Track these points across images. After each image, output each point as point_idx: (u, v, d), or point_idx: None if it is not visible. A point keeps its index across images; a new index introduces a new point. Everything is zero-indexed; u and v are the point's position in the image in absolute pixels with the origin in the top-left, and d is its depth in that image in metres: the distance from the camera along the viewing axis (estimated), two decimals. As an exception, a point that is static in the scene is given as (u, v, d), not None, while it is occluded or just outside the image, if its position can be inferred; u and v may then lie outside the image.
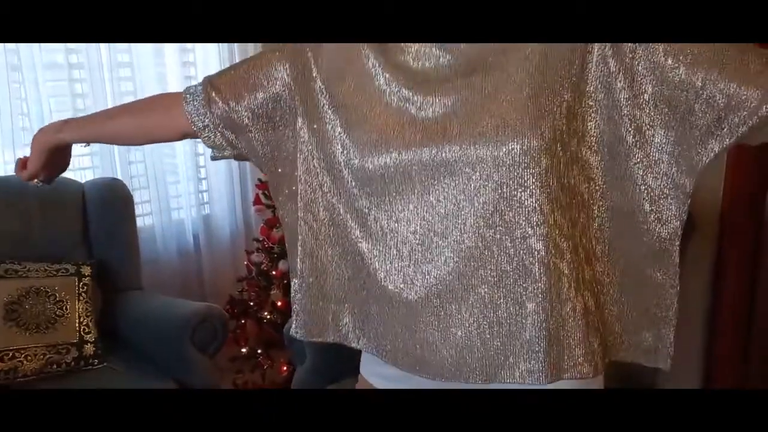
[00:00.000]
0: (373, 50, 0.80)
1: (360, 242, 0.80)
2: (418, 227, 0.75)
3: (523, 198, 0.70)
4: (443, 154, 0.72)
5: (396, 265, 0.77)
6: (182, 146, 2.61)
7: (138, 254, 2.25)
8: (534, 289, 0.71)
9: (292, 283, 0.91)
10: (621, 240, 0.77)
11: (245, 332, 2.51)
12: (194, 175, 2.68)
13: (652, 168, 0.72)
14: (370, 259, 0.79)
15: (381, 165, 0.75)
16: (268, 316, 2.47)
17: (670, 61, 0.68)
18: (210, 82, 0.89)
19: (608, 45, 0.71)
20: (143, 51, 2.43)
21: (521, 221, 0.70)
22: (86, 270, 2.03)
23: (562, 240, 0.71)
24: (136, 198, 2.33)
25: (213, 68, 2.61)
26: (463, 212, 0.72)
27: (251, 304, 2.52)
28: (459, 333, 0.75)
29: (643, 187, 0.73)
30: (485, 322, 0.74)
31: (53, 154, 0.98)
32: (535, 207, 0.70)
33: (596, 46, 0.71)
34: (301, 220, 0.86)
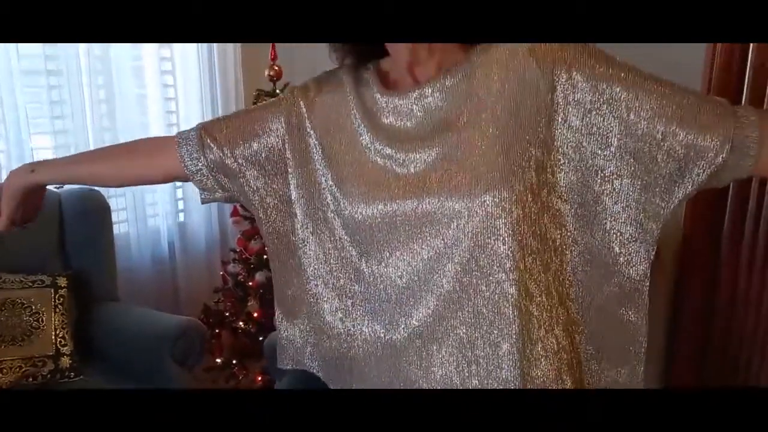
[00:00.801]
0: (360, 112, 0.85)
1: (353, 285, 0.85)
2: (403, 273, 0.80)
3: (496, 246, 0.75)
4: (423, 206, 0.77)
5: (384, 306, 0.82)
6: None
7: (114, 265, 2.25)
8: (508, 330, 0.77)
9: (277, 314, 0.96)
10: (594, 282, 0.82)
11: (220, 343, 2.53)
12: (171, 182, 2.69)
13: (620, 215, 0.78)
14: (361, 301, 0.85)
15: (369, 215, 0.81)
16: (243, 327, 2.50)
17: (632, 116, 0.74)
18: (204, 128, 0.92)
19: (572, 103, 0.76)
20: (120, 53, 2.42)
21: (495, 267, 0.76)
22: (62, 281, 2.03)
23: (533, 284, 0.77)
24: (112, 205, 2.32)
25: (191, 74, 2.64)
26: (443, 259, 0.77)
27: (227, 314, 2.54)
28: (439, 372, 0.80)
29: (612, 233, 0.79)
30: (464, 362, 0.79)
31: (27, 195, 0.95)
32: (507, 254, 0.75)
33: (561, 103, 0.76)
34: (290, 260, 0.91)
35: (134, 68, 2.49)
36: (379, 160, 0.82)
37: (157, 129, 2.58)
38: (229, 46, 2.69)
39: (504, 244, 0.75)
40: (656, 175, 0.75)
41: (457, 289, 0.77)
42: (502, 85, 0.78)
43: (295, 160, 0.88)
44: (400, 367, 0.82)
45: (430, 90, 0.81)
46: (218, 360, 2.48)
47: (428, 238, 0.78)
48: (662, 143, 0.74)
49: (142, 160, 0.96)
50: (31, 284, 1.97)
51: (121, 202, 2.48)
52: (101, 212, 2.21)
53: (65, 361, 1.91)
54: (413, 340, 0.81)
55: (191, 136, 0.92)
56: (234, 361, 2.49)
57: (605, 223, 0.79)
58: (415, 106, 0.82)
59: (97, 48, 2.35)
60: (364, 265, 0.83)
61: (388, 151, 0.82)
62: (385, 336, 0.83)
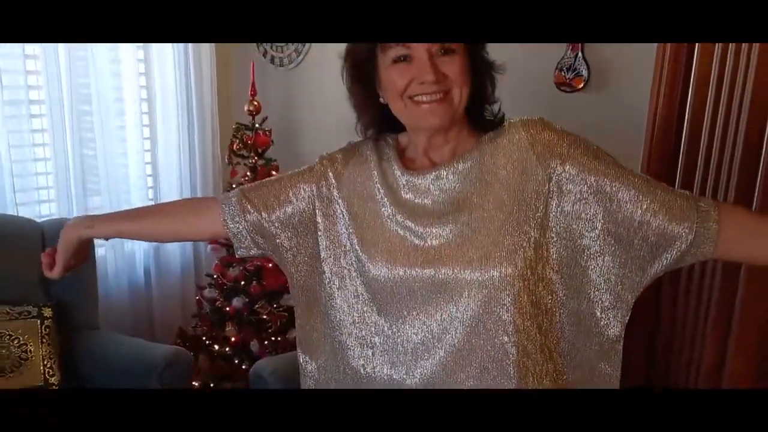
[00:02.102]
0: (383, 186, 0.99)
1: (373, 337, 0.99)
2: (419, 330, 0.94)
3: (500, 313, 0.90)
4: (439, 276, 0.92)
5: (401, 358, 0.96)
6: (136, 181, 2.69)
7: (96, 294, 2.30)
8: (508, 383, 0.91)
9: (302, 357, 1.09)
10: (578, 340, 0.97)
11: (197, 366, 2.61)
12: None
13: (602, 286, 0.93)
14: (381, 351, 0.98)
15: (390, 278, 0.94)
16: (220, 350, 2.59)
17: (614, 206, 0.89)
18: (243, 193, 1.05)
19: (565, 192, 0.91)
20: (101, 85, 2.49)
21: (500, 331, 0.91)
22: (47, 312, 2.08)
23: (530, 343, 0.92)
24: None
25: (170, 105, 2.72)
26: (454, 321, 0.92)
27: (204, 338, 2.62)
28: None
29: (595, 301, 0.94)
30: None
31: (80, 247, 1.08)
32: (510, 320, 0.90)
33: (555, 191, 0.91)
34: (316, 309, 1.05)
35: (115, 99, 2.55)
36: (399, 230, 0.96)
37: (135, 168, 2.67)
38: (206, 84, 2.78)
39: (507, 312, 0.90)
40: (632, 255, 0.91)
41: (466, 347, 0.91)
42: (507, 173, 0.93)
43: (324, 224, 1.02)
44: None
45: (445, 172, 0.96)
46: (195, 384, 2.56)
47: (442, 302, 0.92)
48: (638, 230, 0.89)
49: (192, 221, 1.09)
50: (17, 315, 2.02)
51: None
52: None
53: (54, 391, 1.97)
54: (427, 386, 0.95)
55: (232, 200, 1.04)
56: (212, 384, 2.58)
57: (589, 292, 0.94)
58: (432, 186, 0.96)
59: (78, 79, 2.42)
60: (383, 320, 0.97)
61: (409, 223, 0.95)
62: (402, 382, 0.97)
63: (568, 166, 0.91)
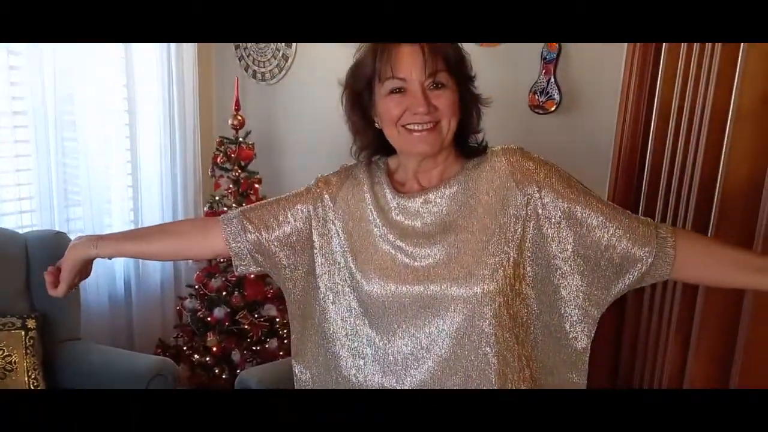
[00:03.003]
0: (375, 208, 1.07)
1: (365, 348, 1.06)
2: (408, 342, 1.02)
3: (483, 326, 0.99)
4: (428, 292, 1.00)
5: (391, 367, 1.04)
6: (118, 193, 2.71)
7: (79, 305, 2.32)
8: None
9: (297, 367, 1.16)
10: (550, 350, 1.06)
11: (177, 376, 2.64)
12: (128, 219, 2.78)
13: (571, 302, 1.03)
14: (372, 361, 1.05)
15: (382, 294, 1.02)
16: (199, 360, 2.62)
17: (584, 231, 0.99)
18: (244, 214, 1.11)
19: (541, 216, 1.00)
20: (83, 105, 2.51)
21: (482, 342, 0.99)
22: (31, 323, 2.09)
23: (509, 353, 1.01)
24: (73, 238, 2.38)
25: (153, 122, 2.75)
26: (441, 334, 1.00)
27: (185, 348, 2.66)
28: None
29: (565, 316, 1.03)
30: None
31: (84, 265, 1.12)
32: (491, 332, 0.99)
33: (532, 215, 1.00)
34: (310, 321, 1.13)
35: (98, 111, 2.58)
36: (390, 249, 1.04)
37: (116, 180, 2.70)
38: (188, 98, 2.82)
39: (489, 325, 0.99)
40: (599, 275, 1.01)
41: (452, 357, 1.00)
42: (489, 198, 1.02)
43: (320, 243, 1.09)
44: None
45: (433, 196, 1.04)
46: (177, 393, 2.59)
47: (430, 316, 1.00)
48: (605, 252, 0.99)
49: (196, 241, 1.14)
50: (1, 327, 2.03)
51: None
52: (67, 254, 2.27)
53: (38, 402, 1.98)
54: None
55: (233, 221, 1.10)
56: (193, 394, 2.61)
57: (560, 307, 1.04)
58: (421, 208, 1.05)
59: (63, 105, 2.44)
60: (375, 333, 1.04)
61: (399, 243, 1.03)
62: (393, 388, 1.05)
63: (544, 193, 1.00)
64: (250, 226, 1.10)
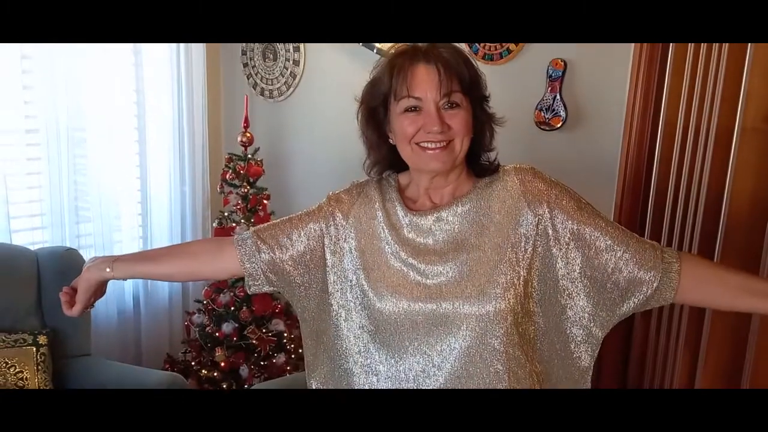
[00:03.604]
0: (387, 225, 1.09)
1: (378, 365, 1.07)
2: (420, 359, 1.03)
3: (495, 344, 1.00)
4: (440, 310, 1.01)
5: (403, 384, 1.05)
6: (128, 209, 2.74)
7: (89, 321, 2.33)
8: None
9: (312, 384, 1.17)
10: (554, 367, 1.08)
11: (186, 391, 2.65)
12: (137, 235, 2.81)
13: (576, 323, 1.04)
14: (385, 378, 1.06)
15: (394, 311, 1.04)
16: (208, 374, 2.63)
17: (592, 252, 1.01)
18: (257, 234, 1.13)
19: (551, 236, 1.02)
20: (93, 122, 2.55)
21: (494, 360, 1.01)
22: (42, 339, 2.11)
23: (520, 369, 1.02)
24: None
25: (164, 140, 2.78)
26: (453, 351, 1.01)
27: (192, 363, 2.66)
28: None
29: (570, 335, 1.05)
30: None
31: (99, 287, 1.15)
32: (502, 350, 1.00)
33: (542, 235, 1.02)
34: (324, 337, 1.14)
35: (108, 128, 2.61)
36: (403, 267, 1.05)
37: (126, 196, 2.72)
38: (197, 115, 2.86)
39: (501, 343, 1.00)
40: (605, 297, 1.03)
41: (464, 375, 1.01)
42: (501, 218, 1.04)
43: (332, 261, 1.11)
44: None
45: (446, 214, 1.06)
46: (185, 408, 2.59)
47: (442, 334, 1.02)
48: (611, 275, 1.01)
49: (209, 262, 1.16)
50: (13, 344, 2.05)
51: (91, 252, 2.57)
52: (78, 270, 2.28)
53: (49, 418, 1.99)
54: None
55: (247, 242, 1.12)
56: (201, 410, 2.61)
57: (565, 328, 1.05)
58: (433, 226, 1.06)
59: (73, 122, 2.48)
60: (387, 350, 1.05)
61: (412, 261, 1.05)
62: None
63: (554, 213, 1.02)
64: (263, 246, 1.11)
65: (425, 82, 1.00)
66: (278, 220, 1.17)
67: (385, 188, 1.14)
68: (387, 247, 1.08)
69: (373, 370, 1.08)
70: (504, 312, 1.00)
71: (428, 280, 1.04)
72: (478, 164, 1.10)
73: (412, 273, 1.05)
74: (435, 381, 1.03)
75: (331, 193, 1.17)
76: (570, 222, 1.02)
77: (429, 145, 1.02)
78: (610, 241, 1.01)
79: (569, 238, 1.02)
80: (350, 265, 1.10)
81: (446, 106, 1.02)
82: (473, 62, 1.05)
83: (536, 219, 1.03)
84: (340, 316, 1.11)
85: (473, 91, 1.04)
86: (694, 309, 1.53)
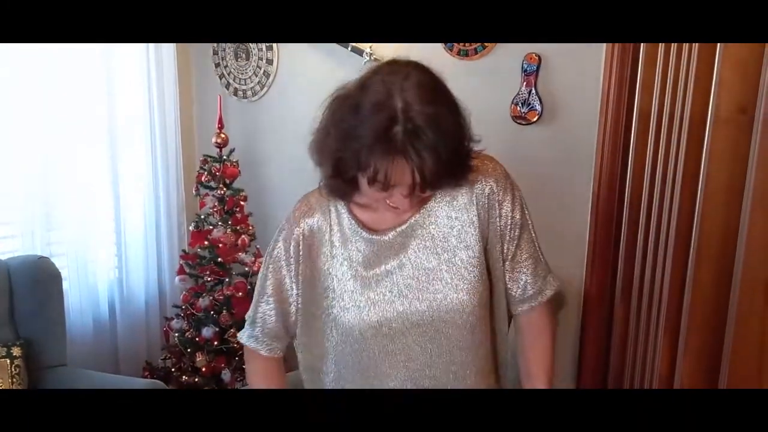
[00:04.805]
0: (344, 244, 1.10)
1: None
2: (399, 372, 1.09)
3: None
4: (414, 317, 1.07)
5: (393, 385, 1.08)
6: (100, 214, 2.68)
7: (64, 330, 2.28)
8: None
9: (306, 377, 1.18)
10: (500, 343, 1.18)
11: (167, 398, 2.60)
12: (111, 241, 2.75)
13: (503, 305, 1.17)
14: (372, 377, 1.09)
15: (364, 325, 1.06)
16: (188, 380, 2.59)
17: (512, 249, 1.13)
18: (254, 339, 1.17)
19: (498, 233, 1.10)
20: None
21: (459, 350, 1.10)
22: (17, 351, 2.06)
23: (482, 333, 1.11)
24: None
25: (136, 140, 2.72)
26: (432, 354, 1.07)
27: (173, 370, 2.62)
28: None
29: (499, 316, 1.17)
30: None
31: None
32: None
33: (492, 233, 1.10)
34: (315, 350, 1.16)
35: (78, 133, 2.55)
36: (366, 280, 1.06)
37: (98, 202, 2.66)
38: (169, 117, 2.81)
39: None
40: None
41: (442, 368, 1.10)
42: (460, 221, 1.08)
43: (303, 291, 1.13)
44: None
45: (405, 227, 1.07)
46: (166, 416, 2.55)
47: (419, 338, 1.06)
48: (512, 266, 1.14)
49: (273, 372, 1.21)
50: (-14, 356, 1.99)
51: (62, 260, 2.51)
52: (51, 280, 2.23)
53: (27, 431, 1.94)
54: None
55: (257, 347, 1.17)
56: (183, 416, 2.57)
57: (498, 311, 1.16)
58: (394, 238, 1.07)
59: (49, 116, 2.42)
60: (366, 367, 1.08)
61: (373, 273, 1.07)
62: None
63: (501, 210, 1.10)
64: (270, 342, 1.17)
65: (402, 175, 0.92)
66: (260, 306, 1.16)
67: (336, 205, 1.11)
68: (347, 262, 1.08)
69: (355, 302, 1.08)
70: (476, 306, 1.09)
71: (395, 290, 1.07)
72: None
73: (375, 285, 1.07)
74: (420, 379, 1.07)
75: (276, 239, 1.14)
76: (509, 218, 1.11)
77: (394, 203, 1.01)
78: (525, 245, 1.15)
79: (511, 234, 1.12)
80: (319, 287, 1.12)
81: (419, 193, 0.97)
82: (457, 106, 0.98)
83: (486, 218, 1.10)
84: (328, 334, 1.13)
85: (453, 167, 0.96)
86: (674, 294, 1.56)
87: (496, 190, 1.09)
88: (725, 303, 1.45)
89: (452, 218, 1.08)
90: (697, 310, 1.50)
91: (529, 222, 1.15)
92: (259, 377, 1.20)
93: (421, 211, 1.08)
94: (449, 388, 1.08)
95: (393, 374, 1.07)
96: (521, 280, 1.14)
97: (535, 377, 1.17)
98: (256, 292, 1.16)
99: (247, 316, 1.19)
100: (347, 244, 1.08)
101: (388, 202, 0.99)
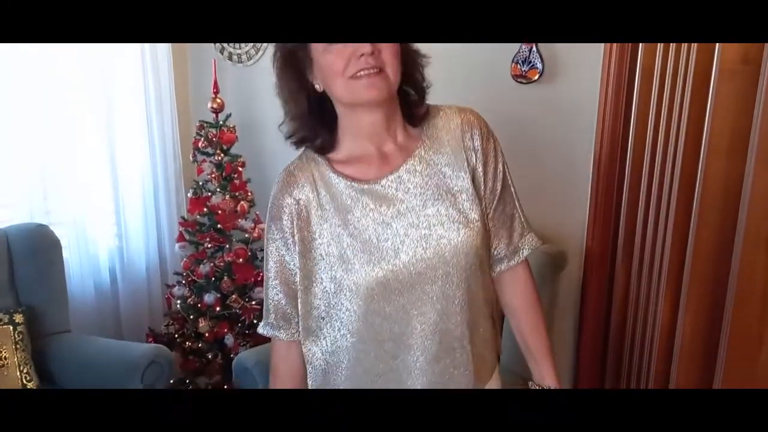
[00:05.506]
0: (336, 199, 1.06)
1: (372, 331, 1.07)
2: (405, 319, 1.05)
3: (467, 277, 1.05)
4: (417, 268, 1.03)
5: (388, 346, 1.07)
6: (97, 182, 2.66)
7: (66, 297, 2.28)
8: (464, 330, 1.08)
9: (306, 349, 1.15)
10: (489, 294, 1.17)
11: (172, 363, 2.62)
12: (110, 210, 2.74)
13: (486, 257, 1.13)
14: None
15: (371, 280, 1.02)
16: (192, 346, 2.61)
17: (496, 201, 1.11)
18: (270, 326, 1.14)
19: (487, 177, 1.08)
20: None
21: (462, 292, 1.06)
22: (19, 318, 2.06)
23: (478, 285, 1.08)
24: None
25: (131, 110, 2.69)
26: (430, 302, 1.04)
27: (176, 336, 2.64)
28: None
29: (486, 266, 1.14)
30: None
31: None
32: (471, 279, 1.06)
33: (483, 176, 1.08)
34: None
35: (74, 102, 2.52)
36: (367, 235, 1.02)
37: (95, 170, 2.64)
38: (164, 83, 2.77)
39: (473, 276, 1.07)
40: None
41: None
42: (448, 170, 1.06)
43: (302, 263, 1.08)
44: None
45: (401, 175, 1.04)
46: (171, 381, 2.57)
47: (422, 287, 1.03)
48: (491, 222, 1.12)
49: (297, 369, 1.16)
50: (-12, 323, 1.99)
51: (61, 229, 2.50)
52: (51, 247, 2.23)
53: (33, 396, 1.96)
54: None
55: (276, 335, 1.14)
56: (187, 380, 2.60)
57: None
58: (394, 188, 1.03)
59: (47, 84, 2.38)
60: (372, 319, 1.04)
61: (376, 227, 1.03)
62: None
63: (486, 162, 1.08)
64: (285, 325, 1.13)
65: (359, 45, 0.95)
66: (267, 293, 1.14)
67: (319, 166, 1.07)
68: (349, 216, 1.05)
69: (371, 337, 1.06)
70: (477, 248, 1.06)
71: (397, 241, 1.03)
72: (416, 111, 1.08)
73: (376, 239, 1.03)
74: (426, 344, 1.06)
75: (266, 220, 1.12)
76: (495, 171, 1.10)
77: (362, 73, 0.97)
78: (508, 201, 1.13)
79: (494, 181, 1.10)
80: (319, 254, 1.07)
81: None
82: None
83: (481, 165, 1.08)
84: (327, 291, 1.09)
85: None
86: (676, 249, 1.56)
87: (481, 142, 1.08)
88: (727, 256, 1.45)
89: (442, 164, 1.06)
90: (699, 263, 1.50)
91: (509, 178, 1.14)
92: (281, 361, 1.17)
93: (409, 159, 1.05)
94: (462, 340, 1.06)
95: (407, 332, 1.04)
96: (501, 236, 1.14)
97: (531, 334, 1.18)
98: (264, 282, 1.15)
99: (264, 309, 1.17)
100: (338, 203, 1.05)
101: (355, 69, 0.96)
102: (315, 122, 1.05)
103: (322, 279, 1.06)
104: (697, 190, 1.54)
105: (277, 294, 1.12)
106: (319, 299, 1.07)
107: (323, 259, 1.05)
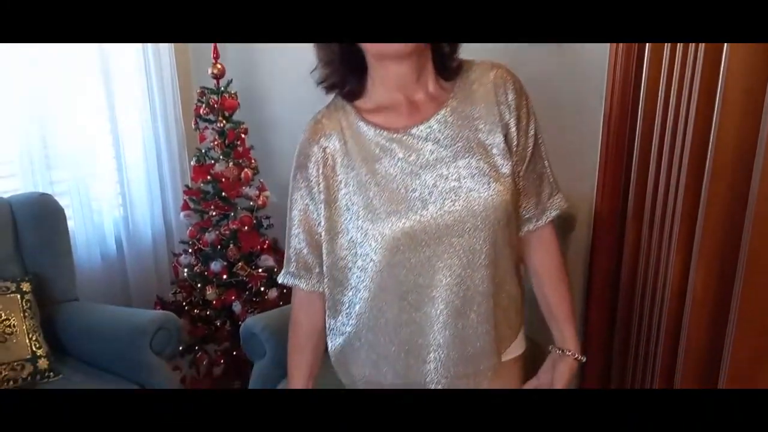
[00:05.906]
0: (369, 146, 1.04)
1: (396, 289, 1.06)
2: (433, 273, 1.03)
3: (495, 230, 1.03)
4: (447, 220, 1.01)
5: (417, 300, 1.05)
6: (100, 151, 2.64)
7: (72, 266, 2.29)
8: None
9: (329, 322, 1.15)
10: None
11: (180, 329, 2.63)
12: (114, 179, 2.72)
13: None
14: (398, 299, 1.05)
15: (398, 232, 1.00)
16: (200, 314, 2.62)
17: (527, 160, 1.09)
18: (291, 275, 1.14)
19: (517, 135, 1.06)
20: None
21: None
22: (26, 286, 2.06)
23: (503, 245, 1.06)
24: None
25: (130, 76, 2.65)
26: (457, 255, 1.02)
27: (184, 304, 2.64)
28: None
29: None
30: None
31: None
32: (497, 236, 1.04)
33: (514, 133, 1.06)
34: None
35: (74, 73, 2.48)
36: (397, 187, 1.01)
37: (98, 139, 2.61)
38: (163, 49, 2.72)
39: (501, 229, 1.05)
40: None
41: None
42: (485, 117, 1.03)
43: (327, 214, 1.07)
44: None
45: (432, 125, 1.02)
46: (180, 347, 2.59)
47: (451, 240, 1.01)
48: (522, 181, 1.10)
49: (313, 329, 1.18)
50: (-4, 292, 2.00)
51: (66, 198, 2.48)
52: (55, 216, 2.23)
53: (43, 363, 1.97)
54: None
55: (296, 283, 1.15)
56: (197, 347, 2.62)
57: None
58: (417, 140, 1.02)
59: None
60: (398, 274, 1.03)
61: (406, 177, 1.01)
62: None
63: (519, 120, 1.05)
64: (305, 273, 1.13)
65: None
66: (291, 240, 1.14)
67: (348, 117, 1.06)
68: (373, 167, 1.03)
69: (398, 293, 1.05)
70: (505, 203, 1.04)
71: (426, 192, 1.01)
72: (448, 65, 1.05)
73: (407, 190, 1.01)
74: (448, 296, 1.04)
75: (294, 171, 1.10)
76: (527, 129, 1.08)
77: None
78: (537, 159, 1.11)
79: (525, 138, 1.08)
80: (344, 205, 1.07)
81: None
82: None
83: (515, 120, 1.05)
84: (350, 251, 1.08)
85: None
86: (687, 209, 1.54)
87: (515, 98, 1.04)
88: (741, 216, 1.42)
89: (474, 117, 1.03)
90: (712, 218, 1.48)
91: (541, 137, 1.11)
92: (301, 311, 1.18)
93: (441, 110, 1.03)
94: (486, 296, 1.05)
95: (432, 284, 1.02)
96: (530, 195, 1.11)
97: (554, 296, 1.18)
98: (286, 231, 1.13)
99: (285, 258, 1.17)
100: (366, 152, 1.03)
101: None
102: (345, 69, 1.04)
103: (348, 229, 1.04)
104: (710, 147, 1.50)
105: (300, 243, 1.11)
106: (345, 249, 1.06)
107: (348, 209, 1.04)
